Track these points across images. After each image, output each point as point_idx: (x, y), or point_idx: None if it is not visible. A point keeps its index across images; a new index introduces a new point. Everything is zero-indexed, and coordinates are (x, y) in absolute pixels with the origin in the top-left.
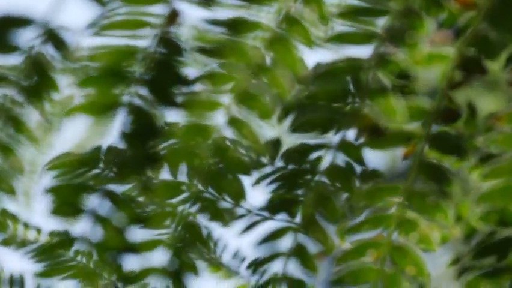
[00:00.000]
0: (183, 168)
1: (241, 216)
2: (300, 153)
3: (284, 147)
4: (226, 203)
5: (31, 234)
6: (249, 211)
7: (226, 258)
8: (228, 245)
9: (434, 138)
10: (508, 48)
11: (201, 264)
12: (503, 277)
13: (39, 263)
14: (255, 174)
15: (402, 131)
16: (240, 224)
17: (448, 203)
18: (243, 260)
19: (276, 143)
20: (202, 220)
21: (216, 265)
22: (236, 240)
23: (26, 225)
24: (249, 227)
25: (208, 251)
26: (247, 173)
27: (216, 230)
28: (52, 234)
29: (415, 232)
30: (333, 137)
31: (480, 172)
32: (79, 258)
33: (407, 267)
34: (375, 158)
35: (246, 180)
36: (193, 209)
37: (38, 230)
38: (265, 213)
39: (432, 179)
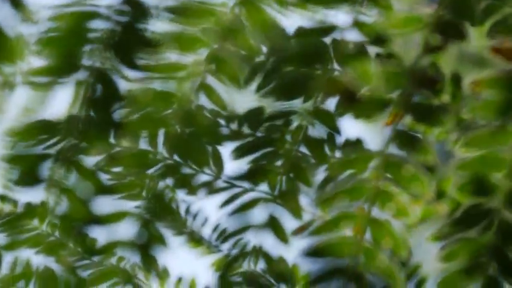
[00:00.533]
0: (149, 136)
1: (206, 183)
2: (270, 120)
3: (256, 115)
4: (192, 171)
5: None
6: (216, 178)
7: (198, 229)
8: (200, 217)
9: (413, 106)
10: (492, 14)
11: (171, 237)
12: (482, 249)
13: (2, 234)
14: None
15: (379, 97)
16: (214, 196)
17: (425, 173)
18: (218, 232)
19: (257, 112)
20: (175, 192)
21: (190, 238)
22: (212, 213)
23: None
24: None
25: (179, 224)
26: (218, 141)
27: (193, 202)
28: (14, 205)
29: (393, 204)
30: (305, 103)
31: (460, 141)
32: (43, 230)
33: (384, 240)
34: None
35: (224, 151)
36: (162, 179)
37: (14, 203)
38: (237, 183)
39: (408, 148)
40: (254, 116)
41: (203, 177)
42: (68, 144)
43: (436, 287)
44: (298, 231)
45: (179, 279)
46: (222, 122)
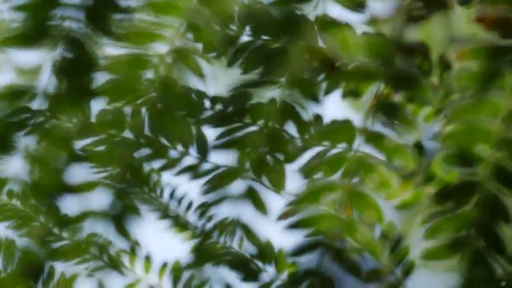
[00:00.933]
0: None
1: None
2: (247, 91)
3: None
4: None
5: None
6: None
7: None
8: (177, 190)
9: (394, 77)
10: None
11: (145, 209)
12: (468, 224)
13: None
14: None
15: (360, 67)
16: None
17: (408, 146)
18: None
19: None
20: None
21: (163, 212)
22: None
23: None
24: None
25: (152, 195)
26: (194, 110)
27: (178, 186)
28: None
29: (375, 176)
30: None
31: (445, 112)
32: (13, 200)
33: (364, 213)
34: None
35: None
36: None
37: None
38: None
39: (390, 119)
40: (235, 90)
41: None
42: (40, 112)
43: (421, 261)
44: (283, 217)
45: (164, 265)
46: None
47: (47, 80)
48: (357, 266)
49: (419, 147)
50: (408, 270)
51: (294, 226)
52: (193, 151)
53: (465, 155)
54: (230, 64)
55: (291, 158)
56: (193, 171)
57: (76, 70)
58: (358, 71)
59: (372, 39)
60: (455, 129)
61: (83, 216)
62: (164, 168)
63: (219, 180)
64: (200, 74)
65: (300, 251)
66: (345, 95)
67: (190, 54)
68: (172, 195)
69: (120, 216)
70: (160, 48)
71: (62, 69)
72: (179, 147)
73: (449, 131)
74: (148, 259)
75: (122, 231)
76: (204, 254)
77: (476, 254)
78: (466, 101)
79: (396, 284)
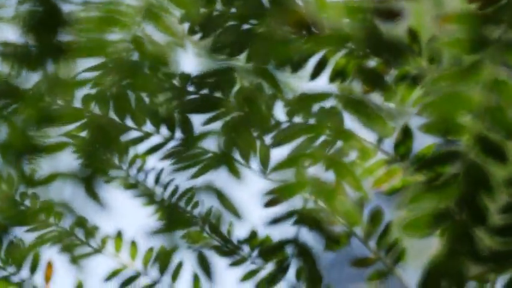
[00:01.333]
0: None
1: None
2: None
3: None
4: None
5: None
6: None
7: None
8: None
9: (372, 42)
10: None
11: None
12: (446, 193)
13: None
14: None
15: (338, 30)
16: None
17: (386, 111)
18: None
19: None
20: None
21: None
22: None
23: None
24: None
25: (121, 158)
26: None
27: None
28: None
29: (355, 144)
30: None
31: (428, 78)
32: None
33: (345, 181)
34: None
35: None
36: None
37: None
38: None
39: (370, 84)
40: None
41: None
42: (8, 70)
43: (401, 232)
44: (270, 204)
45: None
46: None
47: (15, 37)
48: (334, 235)
49: (406, 131)
50: (398, 258)
51: (272, 193)
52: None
53: (446, 124)
54: (214, 47)
55: (265, 126)
56: (159, 150)
57: (45, 28)
58: (336, 35)
59: (351, 2)
60: (438, 96)
61: (52, 177)
62: (133, 144)
63: (191, 140)
64: (171, 33)
65: (276, 219)
66: (332, 79)
67: (161, 12)
68: (140, 169)
69: (89, 179)
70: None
71: (30, 26)
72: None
73: (430, 99)
74: (133, 245)
75: (92, 194)
76: (173, 220)
77: (459, 226)
78: (447, 69)
79: (387, 271)
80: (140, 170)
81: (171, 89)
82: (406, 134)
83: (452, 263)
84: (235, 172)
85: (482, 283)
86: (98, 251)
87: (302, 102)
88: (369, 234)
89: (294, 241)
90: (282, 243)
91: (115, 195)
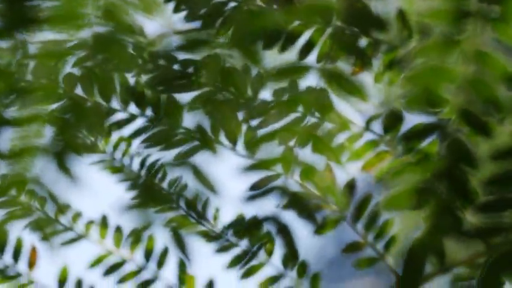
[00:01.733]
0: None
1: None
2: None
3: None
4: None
5: None
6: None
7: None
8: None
9: (356, 15)
10: None
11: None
12: (427, 166)
13: None
14: None
15: (317, 1)
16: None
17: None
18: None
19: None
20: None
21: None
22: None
23: None
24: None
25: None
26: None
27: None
28: None
29: (334, 116)
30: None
31: (414, 49)
32: None
33: (323, 154)
34: None
35: None
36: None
37: None
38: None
39: (348, 53)
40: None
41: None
42: None
43: (382, 207)
44: (257, 185)
45: (137, 236)
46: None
47: None
48: (313, 211)
49: (397, 116)
50: (389, 244)
51: (251, 168)
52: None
53: (429, 97)
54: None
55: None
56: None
57: None
58: (315, 6)
59: None
60: (421, 69)
61: (23, 151)
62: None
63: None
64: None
65: (255, 194)
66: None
67: None
68: (116, 146)
69: (61, 153)
70: None
71: None
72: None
73: (412, 71)
74: (118, 231)
75: (63, 168)
76: (147, 196)
77: (441, 201)
78: (430, 41)
79: (378, 258)
80: (116, 147)
81: (144, 64)
82: (395, 116)
83: (435, 240)
84: (210, 147)
85: (472, 268)
86: (82, 237)
87: (280, 76)
88: (357, 219)
89: (273, 218)
90: (260, 220)
91: (88, 170)
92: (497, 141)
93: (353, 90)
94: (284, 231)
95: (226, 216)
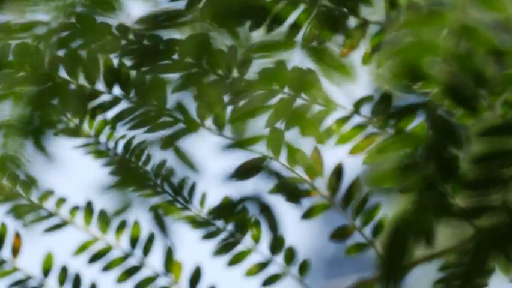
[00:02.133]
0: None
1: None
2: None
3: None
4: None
5: None
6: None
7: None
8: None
9: None
10: None
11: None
12: (413, 144)
13: None
14: None
15: None
16: None
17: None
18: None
19: None
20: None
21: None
22: None
23: None
24: None
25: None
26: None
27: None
28: None
29: (316, 91)
30: None
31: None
32: None
33: (305, 131)
34: None
35: None
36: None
37: None
38: None
39: (329, 27)
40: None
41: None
42: None
43: (367, 184)
44: (243, 168)
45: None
46: None
47: None
48: (296, 190)
49: (386, 97)
50: (378, 230)
51: (232, 147)
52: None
53: (413, 72)
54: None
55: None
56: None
57: None
58: None
59: None
60: (405, 43)
61: None
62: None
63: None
64: None
65: (238, 173)
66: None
67: None
68: (100, 129)
69: (37, 130)
70: None
71: None
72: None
73: (397, 45)
74: (103, 216)
75: (39, 146)
76: (126, 174)
77: (426, 179)
78: (415, 14)
79: (367, 244)
80: (100, 130)
81: (128, 44)
82: (385, 98)
83: (420, 219)
84: (190, 124)
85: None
86: (66, 223)
87: (263, 50)
88: (347, 204)
89: (255, 198)
90: (242, 200)
91: (65, 148)
92: (485, 117)
93: (340, 68)
94: (267, 211)
95: (212, 200)
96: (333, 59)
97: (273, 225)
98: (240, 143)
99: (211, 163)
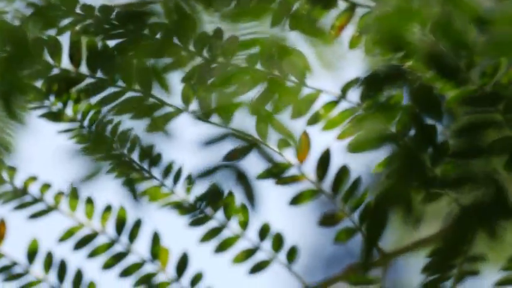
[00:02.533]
0: None
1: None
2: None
3: None
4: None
5: None
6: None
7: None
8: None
9: None
10: None
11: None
12: (394, 112)
13: None
14: None
15: None
16: None
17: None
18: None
19: None
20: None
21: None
22: None
23: None
24: None
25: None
26: None
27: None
28: None
29: (293, 60)
30: None
31: None
32: None
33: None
34: None
35: None
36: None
37: None
38: None
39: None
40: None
41: None
42: None
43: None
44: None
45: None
46: None
47: None
48: (271, 157)
49: (376, 79)
50: (364, 216)
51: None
52: None
53: (395, 40)
54: None
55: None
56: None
57: None
58: None
59: None
60: (384, 12)
61: None
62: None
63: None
64: None
65: (212, 140)
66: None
67: None
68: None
69: (7, 94)
70: None
71: None
72: None
73: (378, 14)
74: (89, 202)
75: (10, 111)
76: (95, 141)
77: (406, 149)
78: None
79: (355, 229)
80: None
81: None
82: (373, 80)
83: (401, 189)
84: (165, 87)
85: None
86: (51, 209)
87: (240, 16)
88: (335, 190)
89: (231, 165)
90: (218, 167)
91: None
92: (466, 86)
93: (316, 32)
94: (243, 178)
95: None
96: (309, 21)
97: (250, 194)
98: (219, 110)
99: (187, 133)
